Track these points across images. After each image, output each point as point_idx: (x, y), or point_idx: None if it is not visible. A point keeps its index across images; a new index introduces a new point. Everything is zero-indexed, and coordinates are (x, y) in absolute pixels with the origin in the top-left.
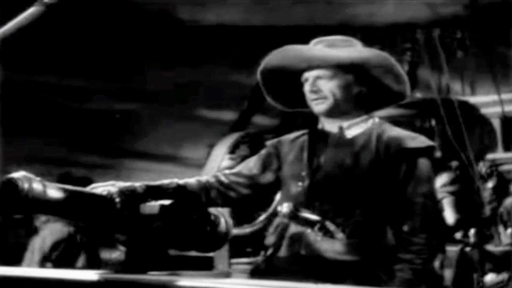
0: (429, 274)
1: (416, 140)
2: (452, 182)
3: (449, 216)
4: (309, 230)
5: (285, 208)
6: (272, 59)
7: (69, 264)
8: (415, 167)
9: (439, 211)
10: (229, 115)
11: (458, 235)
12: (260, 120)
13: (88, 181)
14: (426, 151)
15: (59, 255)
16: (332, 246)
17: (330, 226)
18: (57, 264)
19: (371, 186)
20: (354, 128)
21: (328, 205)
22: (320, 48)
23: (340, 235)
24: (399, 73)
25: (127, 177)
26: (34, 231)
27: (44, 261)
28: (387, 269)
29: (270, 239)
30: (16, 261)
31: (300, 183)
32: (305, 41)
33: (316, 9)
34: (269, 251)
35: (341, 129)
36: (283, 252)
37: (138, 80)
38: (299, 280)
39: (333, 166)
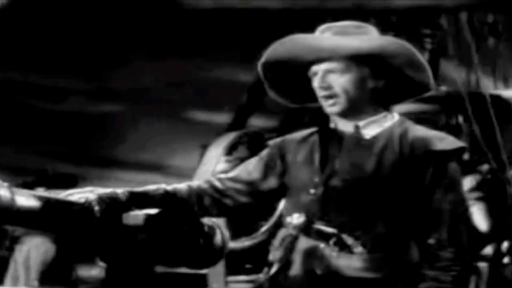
0: None
1: (445, 142)
2: (479, 187)
3: (480, 225)
4: (322, 245)
5: (296, 219)
6: (274, 51)
7: (58, 282)
8: (444, 172)
9: (470, 221)
10: (226, 118)
11: (489, 249)
12: (258, 121)
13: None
14: (455, 154)
15: (46, 272)
16: (350, 262)
17: (348, 239)
18: (44, 282)
19: (394, 194)
20: (373, 127)
21: (345, 216)
22: (329, 36)
23: (359, 249)
24: (420, 62)
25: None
26: (15, 242)
27: (30, 278)
28: None
29: (275, 254)
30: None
31: (312, 191)
32: (314, 27)
33: None
34: (274, 268)
35: (357, 128)
36: (295, 270)
37: (119, 78)
38: None
39: (350, 170)
